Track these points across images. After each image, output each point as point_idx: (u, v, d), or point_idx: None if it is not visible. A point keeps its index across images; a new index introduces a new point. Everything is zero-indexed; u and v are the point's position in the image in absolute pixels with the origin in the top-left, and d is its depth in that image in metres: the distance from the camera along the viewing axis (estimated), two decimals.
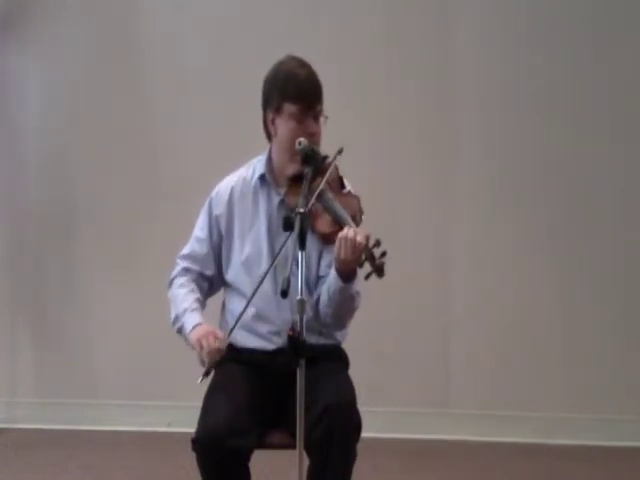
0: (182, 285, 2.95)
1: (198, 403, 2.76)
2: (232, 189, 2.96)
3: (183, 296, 2.91)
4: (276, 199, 2.91)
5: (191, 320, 2.84)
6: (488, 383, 4.76)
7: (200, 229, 2.98)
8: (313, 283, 2.86)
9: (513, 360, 4.75)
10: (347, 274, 2.70)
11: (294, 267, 2.49)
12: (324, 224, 2.73)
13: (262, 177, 2.93)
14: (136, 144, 4.87)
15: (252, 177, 2.94)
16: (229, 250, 2.95)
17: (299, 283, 2.47)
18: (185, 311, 2.87)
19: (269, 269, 2.79)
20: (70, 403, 4.87)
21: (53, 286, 4.96)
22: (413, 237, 4.72)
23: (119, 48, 4.87)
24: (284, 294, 2.42)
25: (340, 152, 2.80)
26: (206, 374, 2.74)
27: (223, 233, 2.95)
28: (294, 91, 2.80)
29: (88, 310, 4.92)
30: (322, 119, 2.85)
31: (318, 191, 2.70)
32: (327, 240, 2.73)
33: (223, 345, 2.75)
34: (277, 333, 2.86)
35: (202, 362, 2.74)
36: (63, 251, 4.95)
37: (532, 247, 4.76)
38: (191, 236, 3.01)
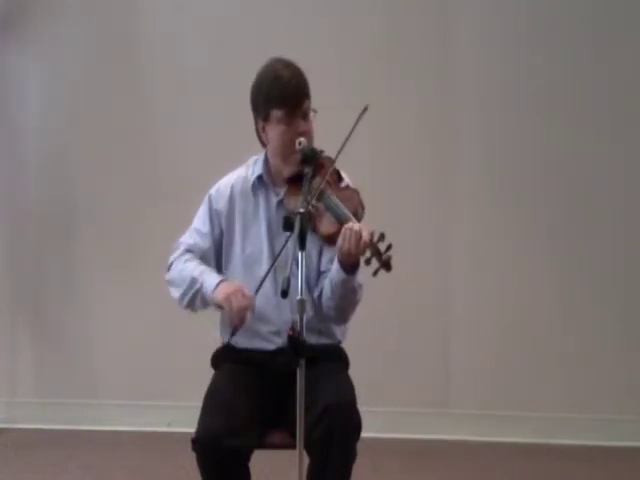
0: (188, 260, 2.92)
1: (198, 403, 2.76)
2: (232, 187, 2.96)
3: (194, 265, 2.88)
4: (274, 200, 2.91)
5: (213, 278, 2.82)
6: (488, 383, 4.76)
7: (202, 222, 2.97)
8: (313, 281, 2.86)
9: (513, 360, 4.75)
10: (350, 266, 2.69)
11: (294, 267, 2.49)
12: (327, 225, 2.72)
13: (260, 178, 2.93)
14: (136, 144, 4.87)
15: (251, 177, 2.94)
16: (229, 247, 2.94)
17: (299, 283, 2.48)
18: (203, 272, 2.84)
19: (269, 271, 2.80)
20: (70, 403, 4.87)
21: (53, 286, 4.96)
22: (413, 237, 4.71)
23: (119, 48, 4.87)
24: (284, 294, 2.42)
25: (365, 111, 2.78)
26: (233, 333, 2.77)
27: (224, 229, 2.95)
28: (278, 96, 2.80)
29: (88, 310, 4.92)
30: (311, 114, 2.86)
31: (318, 191, 2.70)
32: (331, 241, 2.71)
33: (251, 303, 2.74)
34: (277, 333, 2.86)
35: (231, 320, 2.74)
36: (63, 251, 4.95)
37: (532, 247, 4.76)
38: (191, 226, 2.99)
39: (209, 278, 2.83)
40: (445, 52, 4.77)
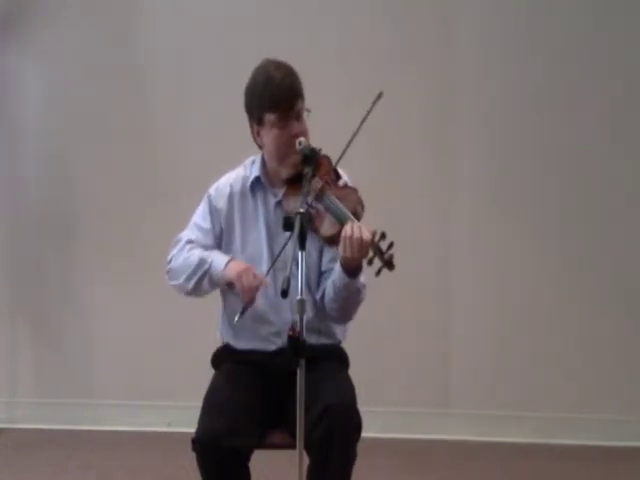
0: (193, 248, 2.92)
1: (198, 403, 2.76)
2: (231, 186, 2.96)
3: (201, 250, 2.89)
4: (272, 201, 2.91)
5: (221, 258, 2.84)
6: (488, 383, 4.76)
7: (202, 219, 2.97)
8: (314, 282, 2.86)
9: (513, 360, 4.75)
10: (353, 269, 2.70)
11: (294, 267, 2.49)
12: (328, 227, 2.72)
13: (258, 179, 2.93)
14: (136, 144, 4.87)
15: (249, 178, 2.94)
16: (228, 246, 2.94)
17: (299, 283, 2.47)
18: (211, 253, 2.86)
19: (269, 271, 2.80)
20: (70, 403, 4.87)
21: (53, 286, 4.96)
22: (413, 237, 4.71)
23: (119, 48, 4.87)
24: (284, 294, 2.42)
25: (380, 96, 2.78)
26: (242, 313, 2.78)
27: (223, 227, 2.95)
28: (270, 100, 2.80)
29: (88, 310, 4.92)
30: (305, 114, 2.85)
31: (317, 191, 2.70)
32: (331, 243, 2.71)
33: (261, 282, 2.76)
34: (277, 334, 2.86)
35: (242, 298, 2.75)
36: (63, 251, 4.95)
37: (532, 247, 4.76)
38: (191, 222, 2.99)
39: (218, 257, 2.84)
40: (445, 52, 4.77)
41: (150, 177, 4.86)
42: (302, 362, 2.45)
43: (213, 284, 2.86)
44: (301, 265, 2.48)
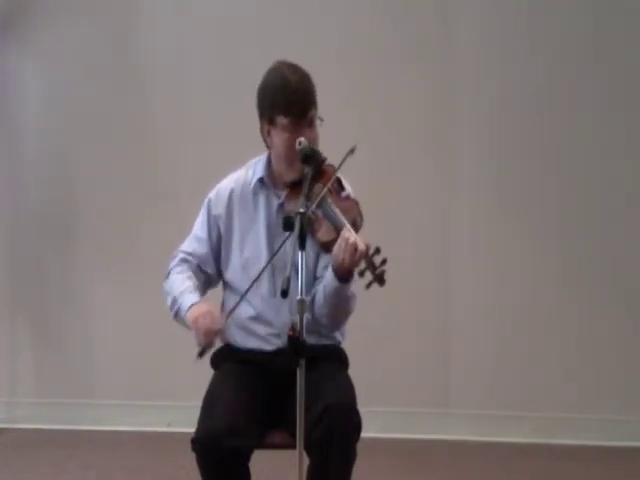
0: (179, 272, 2.94)
1: (198, 403, 2.76)
2: (232, 190, 2.95)
3: (181, 281, 2.91)
4: (275, 202, 2.91)
5: (188, 300, 2.84)
6: (488, 383, 4.76)
7: (199, 228, 2.98)
8: (311, 283, 2.85)
9: (513, 360, 4.75)
10: (344, 275, 2.69)
11: (294, 267, 2.49)
12: (324, 232, 2.72)
13: (261, 180, 2.92)
14: (136, 144, 4.87)
15: (252, 179, 2.94)
16: (228, 250, 2.94)
17: (299, 283, 2.47)
18: (182, 293, 2.87)
19: (265, 267, 2.80)
20: (70, 403, 4.87)
21: (53, 286, 4.96)
22: (413, 237, 4.72)
23: (119, 48, 4.87)
24: (284, 294, 2.42)
25: (352, 151, 2.77)
26: (201, 354, 2.75)
27: (222, 233, 2.95)
28: (284, 103, 2.78)
29: (88, 310, 4.92)
30: (317, 122, 2.84)
31: (319, 198, 2.70)
32: (327, 249, 2.71)
33: (220, 326, 2.75)
34: (277, 335, 2.86)
35: (199, 342, 2.74)
36: (63, 251, 4.95)
37: (532, 248, 4.76)
38: (191, 232, 3.00)
39: (186, 300, 2.84)
40: (445, 52, 4.77)
41: (150, 177, 4.86)
42: (302, 362, 2.45)
43: (185, 325, 2.86)
44: (301, 265, 2.48)
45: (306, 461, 2.56)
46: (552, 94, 4.74)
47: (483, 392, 4.77)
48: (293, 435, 2.52)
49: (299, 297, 2.45)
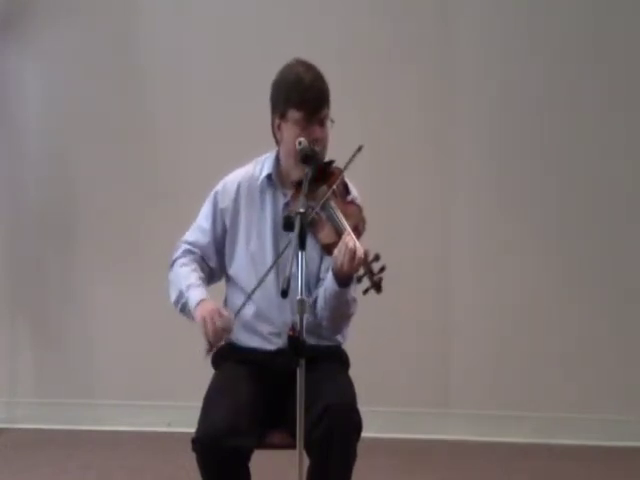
0: (184, 264, 2.93)
1: (198, 403, 2.76)
2: (239, 184, 2.95)
3: (187, 273, 2.90)
4: (282, 200, 2.90)
5: (196, 295, 2.84)
6: (488, 383, 4.76)
7: (204, 219, 2.97)
8: (313, 285, 2.86)
9: (513, 360, 4.75)
10: (343, 279, 2.69)
11: (294, 267, 2.49)
12: (326, 235, 2.72)
13: (269, 177, 2.92)
14: (136, 144, 4.87)
15: (259, 175, 2.94)
16: (233, 244, 2.94)
17: (299, 283, 2.47)
18: (189, 287, 2.86)
19: (270, 269, 2.80)
20: (70, 403, 4.87)
21: (53, 286, 4.96)
22: (413, 237, 4.72)
23: (119, 48, 4.87)
24: (284, 294, 2.42)
25: (360, 149, 2.78)
26: (209, 352, 2.78)
27: (228, 227, 2.95)
28: (298, 98, 2.79)
29: (88, 310, 4.92)
30: (328, 123, 2.85)
31: (323, 200, 2.71)
32: (328, 251, 2.72)
33: (228, 324, 2.76)
34: (277, 334, 2.86)
35: (207, 340, 2.75)
36: (63, 251, 4.95)
37: (532, 248, 4.76)
38: (194, 223, 3.00)
39: (193, 295, 2.84)
40: (445, 52, 4.77)
41: (150, 177, 4.86)
42: (302, 362, 2.45)
43: (192, 317, 2.86)
44: (301, 265, 2.48)
45: (306, 461, 2.56)
46: (552, 94, 4.74)
47: (483, 392, 4.77)
48: (293, 435, 2.52)
49: (299, 297, 2.45)
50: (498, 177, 4.79)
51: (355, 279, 2.68)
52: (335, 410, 2.59)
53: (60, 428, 4.81)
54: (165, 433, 4.77)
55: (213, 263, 2.97)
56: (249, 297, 2.81)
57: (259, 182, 2.92)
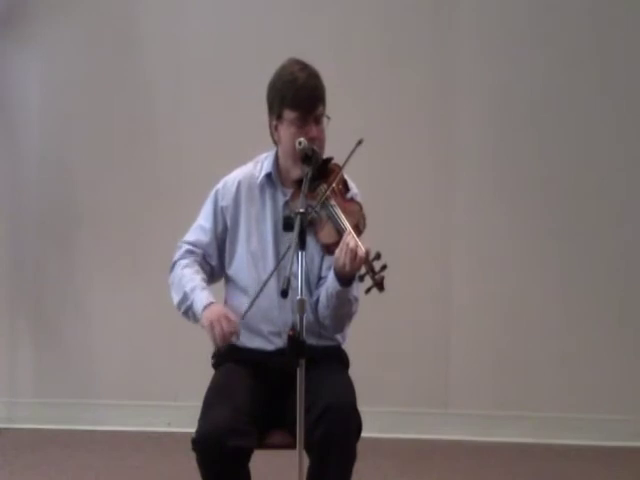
0: (187, 266, 2.93)
1: (198, 403, 2.75)
2: (239, 183, 2.95)
3: (190, 275, 2.90)
4: (282, 199, 2.91)
5: (202, 299, 2.83)
6: (488, 383, 4.76)
7: (205, 219, 2.97)
8: (314, 284, 2.86)
9: (513, 360, 4.75)
10: (345, 278, 2.70)
11: (295, 267, 2.49)
12: (327, 234, 2.73)
13: (269, 175, 2.93)
14: (136, 144, 4.87)
15: (259, 174, 2.94)
16: (233, 243, 2.94)
17: (299, 283, 2.47)
18: (194, 289, 2.86)
19: (273, 271, 2.80)
20: (70, 403, 4.87)
21: (53, 286, 4.95)
22: (413, 237, 4.72)
23: (119, 48, 4.87)
24: (284, 294, 2.42)
25: (359, 143, 2.78)
26: (218, 352, 2.80)
27: (228, 225, 2.95)
28: (292, 98, 2.79)
29: (88, 310, 4.92)
30: (325, 120, 2.85)
31: (322, 199, 2.71)
32: (329, 251, 2.72)
33: (235, 329, 2.76)
34: (278, 334, 2.86)
35: (215, 344, 2.76)
36: (63, 251, 4.94)
37: (532, 248, 4.76)
38: (194, 223, 3.00)
39: (199, 298, 2.84)
40: (445, 52, 4.76)
41: (150, 177, 4.86)
42: (302, 362, 2.45)
43: (196, 320, 2.86)
44: (300, 265, 2.48)
45: (306, 461, 2.56)
46: (552, 94, 4.74)
47: (483, 392, 4.77)
48: (293, 435, 2.52)
49: (299, 297, 2.45)
50: (498, 177, 4.78)
51: (357, 278, 2.67)
52: (335, 410, 2.59)
53: (60, 428, 4.81)
54: (165, 433, 4.77)
55: (214, 262, 2.97)
56: (253, 302, 2.81)
57: (259, 181, 2.93)
